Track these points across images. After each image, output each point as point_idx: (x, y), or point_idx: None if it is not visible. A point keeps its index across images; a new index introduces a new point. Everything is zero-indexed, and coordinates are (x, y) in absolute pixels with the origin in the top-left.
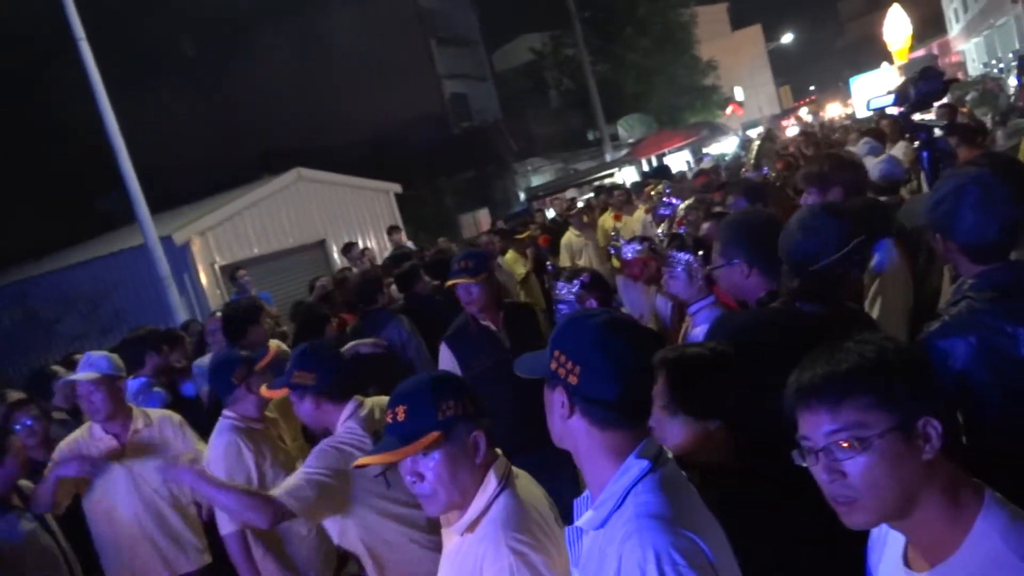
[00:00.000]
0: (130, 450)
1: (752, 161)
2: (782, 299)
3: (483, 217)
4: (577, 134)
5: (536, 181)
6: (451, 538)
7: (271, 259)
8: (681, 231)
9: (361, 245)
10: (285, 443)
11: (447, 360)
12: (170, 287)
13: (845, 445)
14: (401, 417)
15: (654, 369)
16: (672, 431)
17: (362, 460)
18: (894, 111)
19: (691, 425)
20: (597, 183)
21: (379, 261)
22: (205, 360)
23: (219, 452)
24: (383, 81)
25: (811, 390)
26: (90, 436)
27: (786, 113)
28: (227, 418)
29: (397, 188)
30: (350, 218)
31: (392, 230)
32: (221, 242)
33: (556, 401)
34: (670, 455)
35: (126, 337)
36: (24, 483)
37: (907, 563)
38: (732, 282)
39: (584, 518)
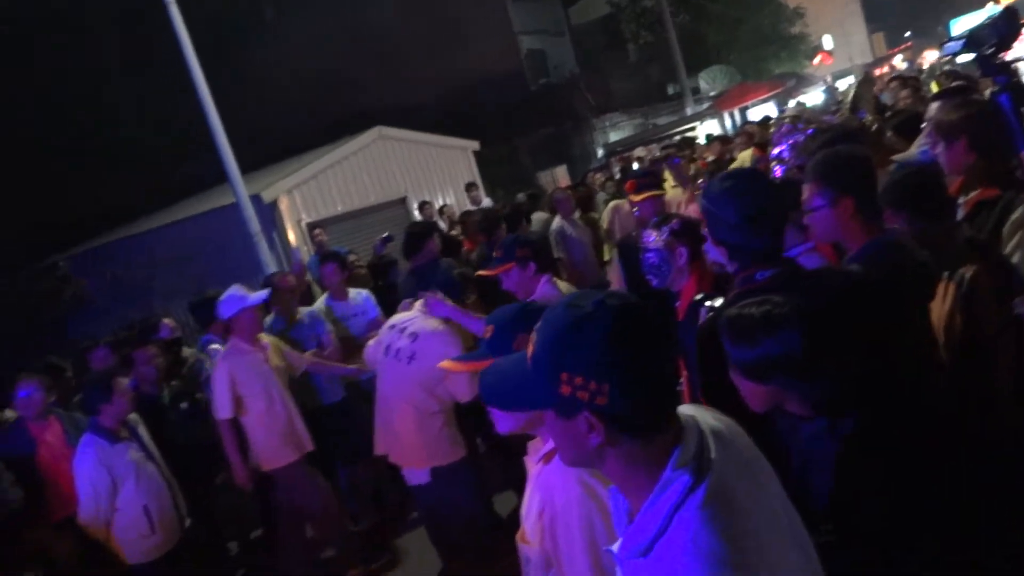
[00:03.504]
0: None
1: (848, 105)
2: None
3: (561, 174)
4: (657, 88)
5: (615, 137)
6: (532, 467)
7: (354, 216)
8: (778, 172)
9: (440, 202)
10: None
11: (616, 262)
12: (260, 243)
13: None
14: (487, 336)
15: (673, 349)
16: (745, 391)
17: (445, 364)
18: (967, 57)
19: (743, 381)
20: (679, 136)
21: (456, 217)
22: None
23: None
24: (460, 39)
25: None
26: (240, 352)
27: (879, 61)
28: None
29: (475, 146)
30: (430, 175)
31: (470, 187)
32: (307, 200)
33: (578, 429)
34: (712, 446)
35: (195, 300)
36: (131, 416)
37: None
38: (830, 225)
39: (624, 547)
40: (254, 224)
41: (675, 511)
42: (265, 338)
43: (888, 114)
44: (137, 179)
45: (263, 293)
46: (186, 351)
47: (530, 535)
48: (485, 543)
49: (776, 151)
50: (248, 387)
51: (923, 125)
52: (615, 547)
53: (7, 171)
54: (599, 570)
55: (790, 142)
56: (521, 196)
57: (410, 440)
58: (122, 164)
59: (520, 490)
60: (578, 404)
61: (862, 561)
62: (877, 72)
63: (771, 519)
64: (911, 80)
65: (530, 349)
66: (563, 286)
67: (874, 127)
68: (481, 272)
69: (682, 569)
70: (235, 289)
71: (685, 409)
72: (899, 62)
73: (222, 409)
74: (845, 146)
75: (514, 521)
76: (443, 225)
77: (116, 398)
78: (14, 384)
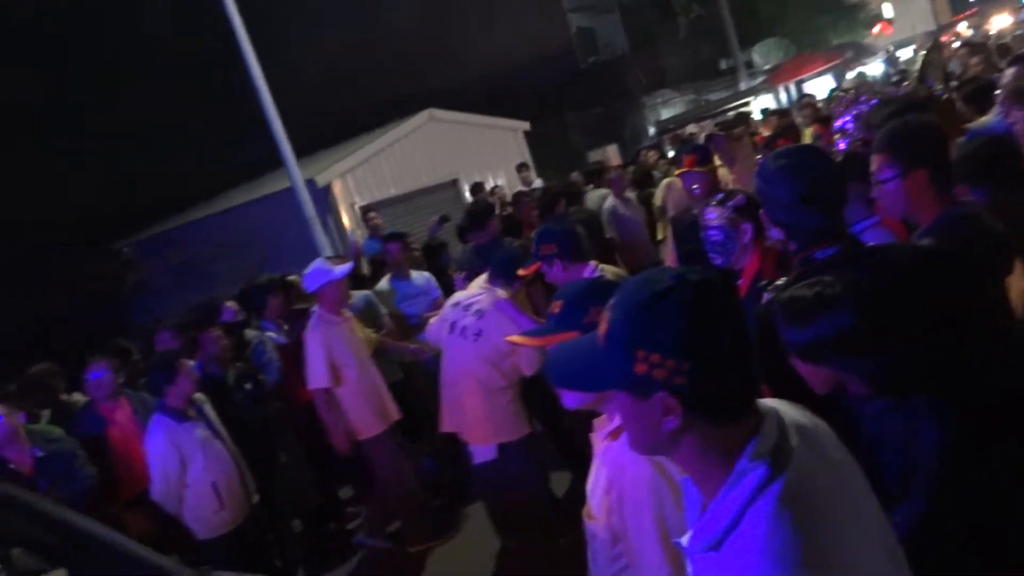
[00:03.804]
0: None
1: (916, 75)
2: None
3: (612, 153)
4: (709, 63)
5: (666, 114)
6: (598, 444)
7: (407, 199)
8: (841, 145)
9: (491, 183)
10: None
11: (670, 240)
12: (316, 227)
13: None
14: (556, 311)
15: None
16: (805, 374)
17: (514, 338)
18: None
19: (801, 364)
20: (734, 112)
21: (508, 199)
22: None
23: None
24: (509, 19)
25: None
26: (328, 323)
27: (943, 29)
28: None
29: (526, 126)
30: (480, 157)
31: (521, 167)
32: (360, 183)
33: (653, 411)
34: (794, 440)
35: (245, 287)
36: (197, 396)
37: None
38: (901, 197)
39: (694, 539)
40: (309, 208)
41: (748, 504)
42: (346, 312)
43: (955, 83)
44: (195, 166)
45: (347, 266)
46: (249, 333)
47: (596, 511)
48: (545, 521)
49: (839, 123)
50: (341, 357)
51: (996, 93)
52: (685, 540)
53: (71, 159)
54: (668, 547)
55: (854, 113)
56: (575, 175)
57: (477, 416)
58: (180, 151)
59: (573, 469)
60: (654, 384)
61: None
62: (942, 39)
63: (857, 521)
64: (980, 47)
65: (603, 327)
66: (610, 271)
67: (944, 97)
68: (520, 272)
69: (753, 568)
70: (320, 263)
71: (767, 401)
72: (964, 29)
73: (318, 378)
74: (916, 116)
75: (569, 500)
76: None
77: (180, 379)
78: (83, 366)
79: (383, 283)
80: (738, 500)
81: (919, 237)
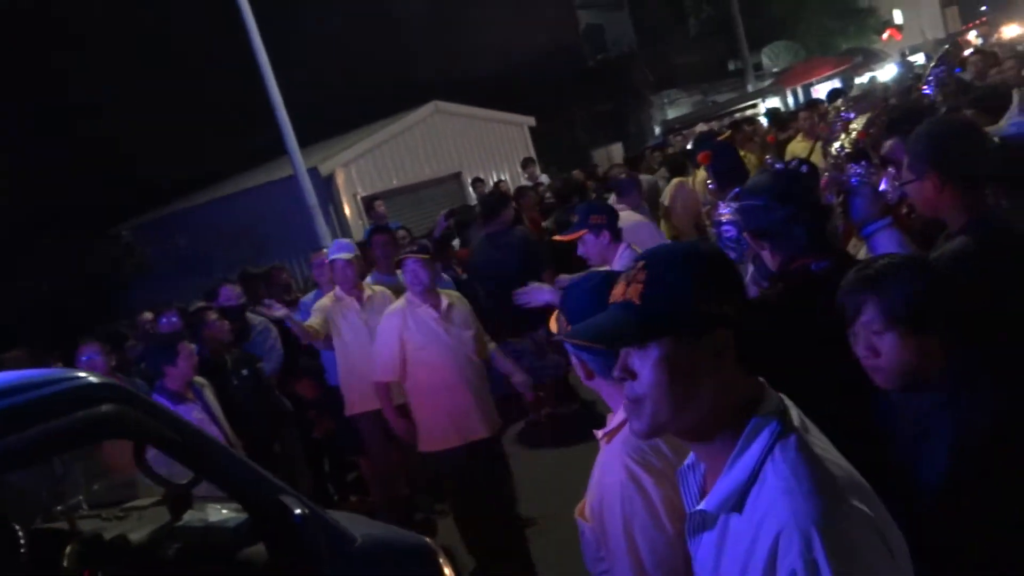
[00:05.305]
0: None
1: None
2: None
3: (616, 151)
4: (717, 64)
5: (673, 114)
6: (601, 443)
7: (409, 191)
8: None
9: (495, 178)
10: None
11: None
12: (317, 216)
13: None
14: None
15: None
16: (887, 350)
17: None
18: None
19: (904, 340)
20: (738, 115)
21: (511, 193)
22: (309, 297)
23: None
24: (517, 13)
25: None
26: (336, 299)
27: (952, 37)
28: None
29: (531, 121)
30: (485, 151)
31: (526, 163)
32: (363, 174)
33: (702, 355)
34: (792, 410)
35: (244, 272)
36: (198, 379)
37: None
38: (923, 200)
39: (711, 498)
40: (311, 197)
41: (766, 456)
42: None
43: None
44: (198, 151)
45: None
46: (253, 319)
47: (588, 511)
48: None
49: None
50: (340, 329)
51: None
52: (704, 504)
53: (74, 143)
54: (635, 556)
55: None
56: (577, 172)
57: None
58: (183, 136)
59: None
60: (716, 319)
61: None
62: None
63: (869, 491)
64: (992, 56)
65: (635, 288)
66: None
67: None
68: (557, 237)
69: (781, 507)
70: (341, 240)
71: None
72: (973, 37)
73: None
74: (946, 115)
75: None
76: None
77: (180, 361)
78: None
79: (366, 280)
80: (755, 454)
81: (946, 240)
